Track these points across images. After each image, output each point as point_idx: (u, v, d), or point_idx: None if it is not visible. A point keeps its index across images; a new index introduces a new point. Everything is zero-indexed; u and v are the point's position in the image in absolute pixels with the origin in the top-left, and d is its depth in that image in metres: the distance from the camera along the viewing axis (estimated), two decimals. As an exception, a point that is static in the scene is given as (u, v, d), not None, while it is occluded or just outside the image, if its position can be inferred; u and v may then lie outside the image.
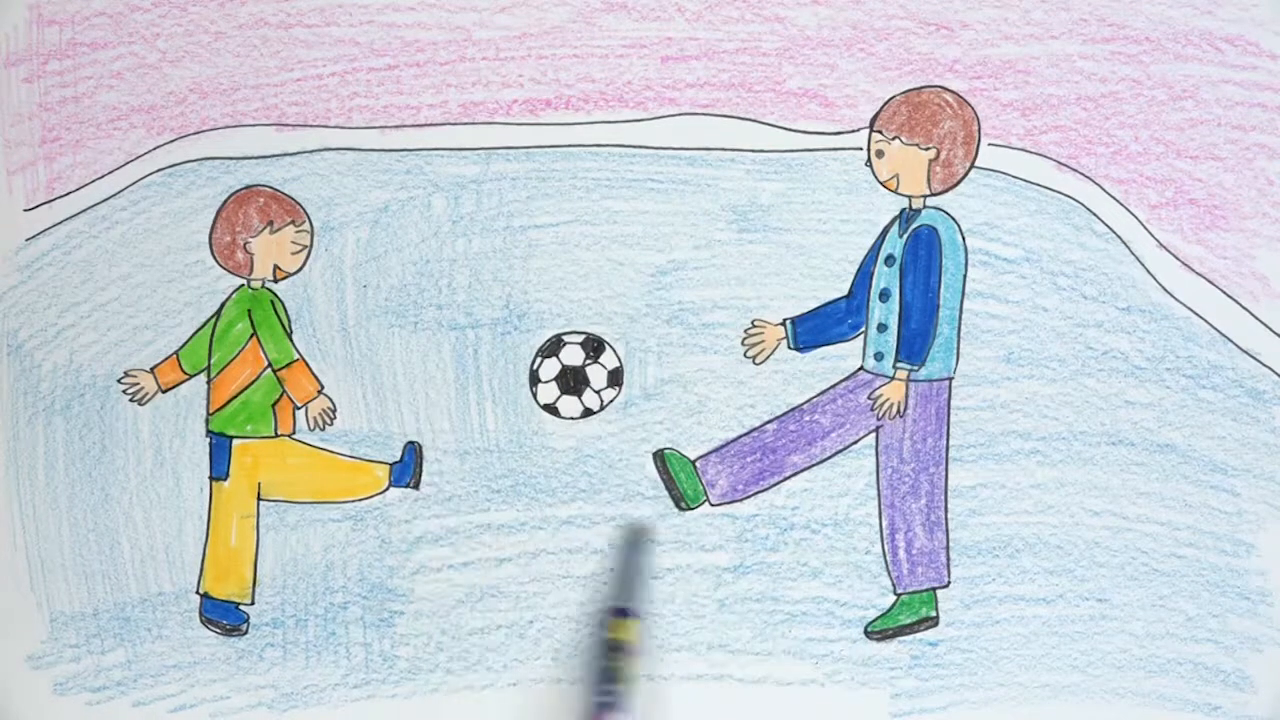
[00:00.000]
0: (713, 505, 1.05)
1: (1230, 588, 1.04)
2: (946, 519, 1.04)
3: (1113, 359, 1.04)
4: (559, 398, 1.05)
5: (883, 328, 1.04)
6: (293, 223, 1.05)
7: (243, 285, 1.05)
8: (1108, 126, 1.03)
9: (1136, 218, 1.03)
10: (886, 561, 1.05)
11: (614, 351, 1.05)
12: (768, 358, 1.05)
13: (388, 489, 1.05)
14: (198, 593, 1.06)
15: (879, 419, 1.04)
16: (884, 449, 1.05)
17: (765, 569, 1.05)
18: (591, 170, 1.04)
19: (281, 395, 1.06)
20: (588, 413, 1.05)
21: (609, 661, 0.98)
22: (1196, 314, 1.03)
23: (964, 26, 1.03)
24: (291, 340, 1.05)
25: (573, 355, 1.05)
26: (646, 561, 1.04)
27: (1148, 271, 1.03)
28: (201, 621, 1.06)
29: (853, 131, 1.04)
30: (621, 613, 1.01)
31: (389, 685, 1.05)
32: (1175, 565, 1.04)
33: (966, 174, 1.03)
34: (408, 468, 1.05)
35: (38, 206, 1.05)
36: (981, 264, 1.04)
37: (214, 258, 1.05)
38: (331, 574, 1.05)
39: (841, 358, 1.05)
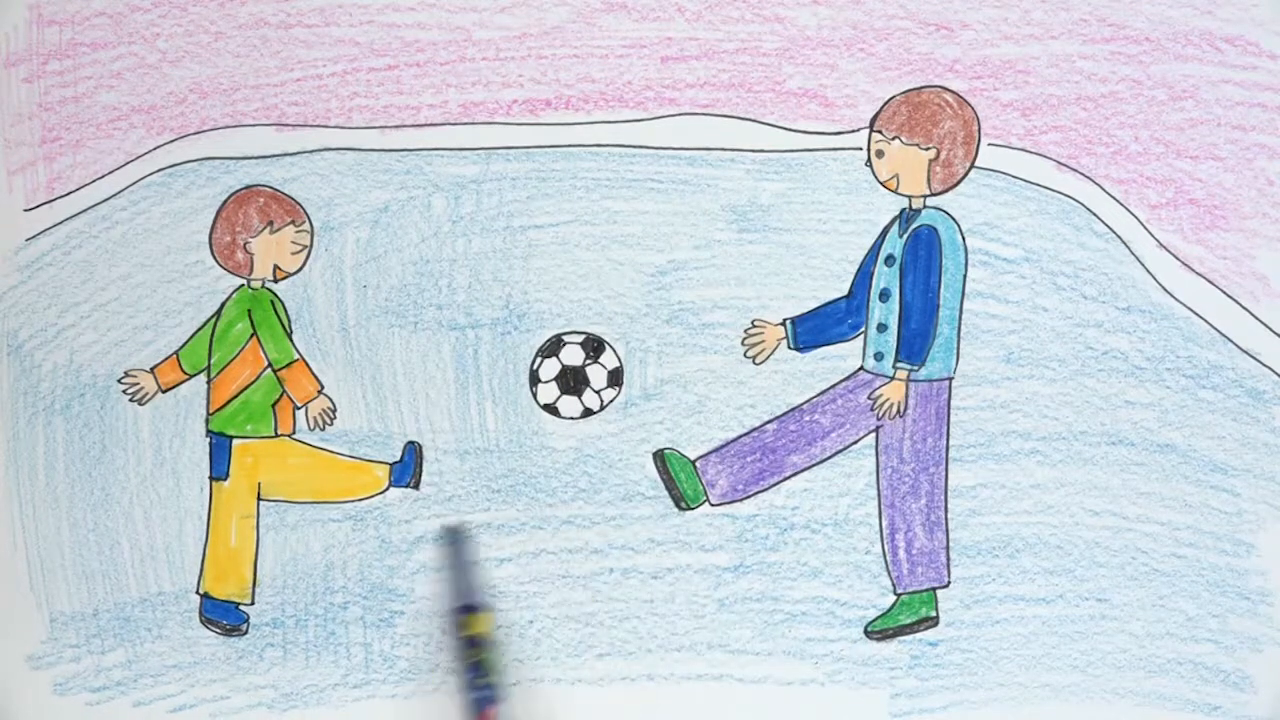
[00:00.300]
0: (713, 505, 1.05)
1: (1230, 588, 1.04)
2: (946, 519, 1.04)
3: (1113, 359, 1.04)
4: (559, 398, 1.05)
5: (883, 328, 1.04)
6: (293, 223, 1.05)
7: (243, 285, 1.05)
8: (1108, 126, 1.03)
9: (1136, 218, 1.03)
10: (886, 561, 1.05)
11: (614, 351, 1.05)
12: (768, 358, 1.04)
13: (388, 489, 1.05)
14: (198, 593, 1.06)
15: (879, 419, 1.04)
16: (884, 449, 1.05)
17: (765, 569, 1.05)
18: (591, 170, 1.04)
19: (281, 395, 1.05)
20: (588, 413, 1.05)
21: (473, 658, 0.99)
22: (1196, 314, 1.03)
23: (964, 26, 1.03)
24: (291, 340, 1.05)
25: (573, 355, 1.05)
26: (470, 554, 1.04)
27: (1148, 271, 1.03)
28: (201, 621, 1.06)
29: (853, 131, 1.04)
30: (468, 609, 1.01)
31: (389, 685, 1.05)
32: (1175, 565, 1.04)
33: (966, 174, 1.03)
34: (408, 468, 1.05)
35: (38, 206, 1.05)
36: (981, 264, 1.04)
37: (214, 258, 1.05)
38: (331, 574, 1.05)
39: (841, 358, 1.05)
